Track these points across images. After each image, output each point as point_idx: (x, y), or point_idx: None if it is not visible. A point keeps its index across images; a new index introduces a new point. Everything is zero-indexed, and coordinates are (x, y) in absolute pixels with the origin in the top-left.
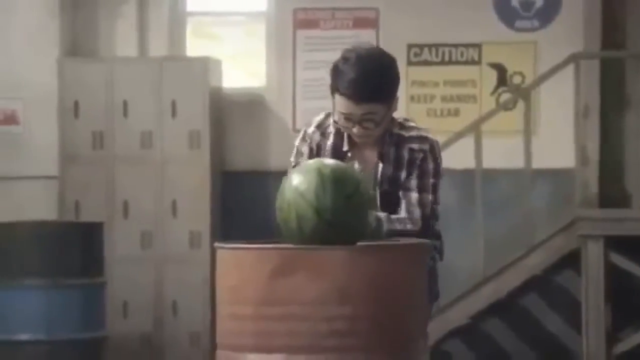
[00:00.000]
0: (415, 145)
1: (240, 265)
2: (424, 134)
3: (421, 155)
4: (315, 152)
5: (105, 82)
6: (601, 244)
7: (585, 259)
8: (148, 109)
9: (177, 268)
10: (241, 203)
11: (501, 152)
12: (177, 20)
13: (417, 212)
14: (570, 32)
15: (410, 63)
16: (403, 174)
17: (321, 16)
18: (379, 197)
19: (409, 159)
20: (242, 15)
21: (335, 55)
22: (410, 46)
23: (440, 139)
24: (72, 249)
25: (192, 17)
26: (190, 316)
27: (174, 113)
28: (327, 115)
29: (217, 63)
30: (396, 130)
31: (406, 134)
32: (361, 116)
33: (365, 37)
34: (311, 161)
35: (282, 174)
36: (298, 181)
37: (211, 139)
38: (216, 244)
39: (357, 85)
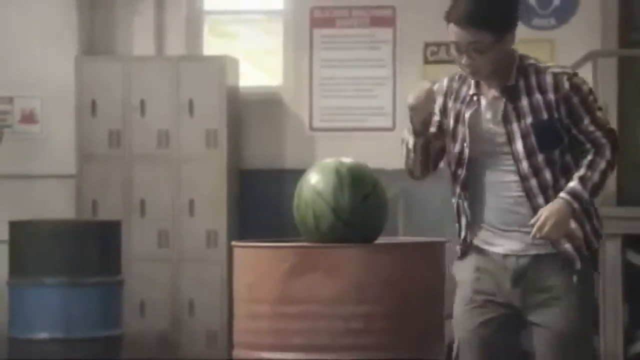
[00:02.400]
0: (558, 70)
1: (257, 263)
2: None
3: (565, 77)
4: (446, 100)
5: (122, 80)
6: (619, 242)
7: (603, 257)
8: (165, 108)
9: (194, 267)
10: (258, 202)
11: None
12: (195, 19)
13: (598, 135)
14: (587, 30)
15: (427, 62)
16: (550, 97)
17: (338, 15)
18: (530, 130)
19: (555, 82)
20: (259, 14)
21: (351, 54)
22: (427, 45)
23: None
24: (90, 248)
25: (209, 16)
26: (207, 315)
27: (191, 112)
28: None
29: (234, 62)
30: (530, 62)
31: (544, 65)
32: (467, 45)
33: (382, 36)
34: (329, 160)
35: (299, 172)
36: (316, 180)
37: (228, 138)
38: (233, 243)
39: (463, 8)
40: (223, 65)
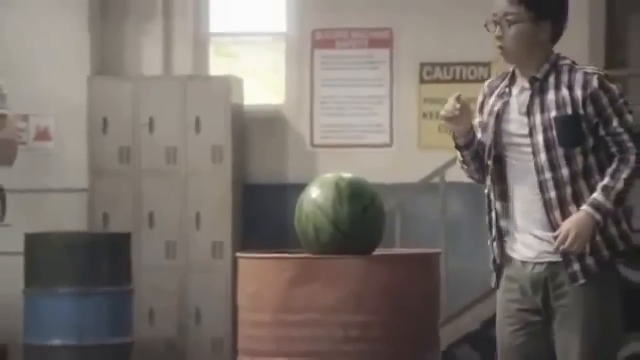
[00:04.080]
0: (591, 70)
1: (260, 273)
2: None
3: (596, 76)
4: (485, 99)
5: (132, 99)
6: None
7: None
8: (173, 125)
9: (200, 277)
10: (261, 214)
11: None
12: (201, 41)
13: (625, 138)
14: (575, 51)
15: (422, 81)
16: (577, 93)
17: (338, 36)
18: (552, 123)
19: (584, 79)
20: (263, 36)
21: (351, 74)
22: (422, 65)
23: (451, 154)
24: (101, 259)
25: (215, 38)
26: (213, 323)
27: (197, 129)
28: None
29: (239, 81)
30: (566, 61)
31: (580, 65)
32: (503, 15)
33: (380, 56)
34: (329, 175)
35: (300, 186)
36: (316, 194)
37: (233, 154)
38: (237, 254)
39: None
40: (228, 85)
